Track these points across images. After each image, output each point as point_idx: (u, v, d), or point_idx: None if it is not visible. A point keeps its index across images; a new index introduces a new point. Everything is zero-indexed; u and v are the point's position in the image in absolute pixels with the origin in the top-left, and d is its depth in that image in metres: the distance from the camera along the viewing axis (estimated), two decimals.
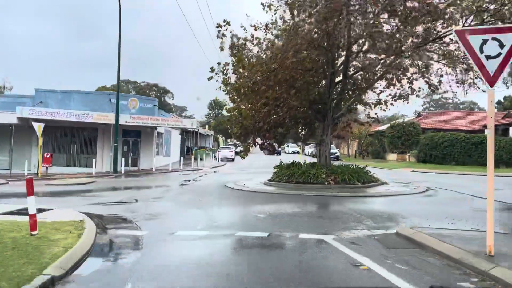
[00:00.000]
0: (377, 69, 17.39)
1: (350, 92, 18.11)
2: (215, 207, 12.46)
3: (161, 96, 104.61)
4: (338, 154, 48.44)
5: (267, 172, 26.40)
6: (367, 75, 17.06)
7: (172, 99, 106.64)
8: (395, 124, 43.11)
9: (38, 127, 23.82)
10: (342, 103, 18.87)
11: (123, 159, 27.31)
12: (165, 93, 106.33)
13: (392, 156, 43.93)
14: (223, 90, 19.01)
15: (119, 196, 14.92)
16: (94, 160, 26.19)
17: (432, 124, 46.38)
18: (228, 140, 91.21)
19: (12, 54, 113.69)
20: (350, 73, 17.72)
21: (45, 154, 24.85)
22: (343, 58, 17.42)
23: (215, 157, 43.61)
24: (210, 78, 15.30)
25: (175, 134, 42.00)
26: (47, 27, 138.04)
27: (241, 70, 14.73)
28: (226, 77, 16.42)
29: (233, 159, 47.09)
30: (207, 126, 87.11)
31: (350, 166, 18.60)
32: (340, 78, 18.10)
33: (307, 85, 15.40)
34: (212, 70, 15.10)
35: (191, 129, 37.12)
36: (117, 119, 26.04)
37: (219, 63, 16.24)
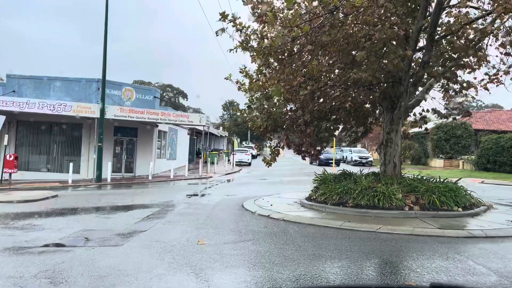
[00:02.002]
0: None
1: (439, 66, 11.68)
2: (224, 273, 6.20)
3: (175, 97, 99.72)
4: (371, 158, 41.80)
5: (296, 183, 20.14)
6: (470, 34, 10.66)
7: (186, 100, 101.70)
8: (442, 124, 36.31)
9: None
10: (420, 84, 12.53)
11: (109, 163, 21.32)
12: (179, 94, 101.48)
13: (437, 162, 37.18)
14: (240, 72, 12.88)
15: (67, 229, 8.88)
16: (72, 164, 20.27)
17: (483, 125, 39.47)
18: (244, 143, 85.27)
19: (29, 54, 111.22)
20: (438, 34, 11.36)
21: (7, 156, 19.04)
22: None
23: (229, 160, 37.59)
24: (221, 31, 9.12)
25: (182, 134, 36.03)
26: (63, 29, 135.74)
27: (271, 15, 8.44)
28: (244, 37, 10.18)
29: (249, 164, 41.02)
30: (221, 128, 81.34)
31: (432, 179, 12.24)
32: (420, 45, 11.78)
33: (386, 43, 9.04)
34: (224, 16, 8.93)
35: (201, 128, 31.12)
36: (102, 112, 20.09)
37: (234, 15, 10.01)
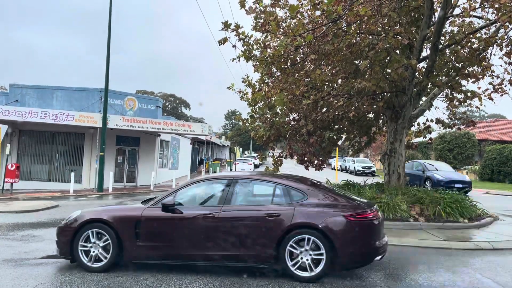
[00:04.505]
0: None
1: (443, 75, 11.63)
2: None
3: (178, 106, 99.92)
4: (374, 168, 41.58)
5: None
6: (474, 44, 10.63)
7: (189, 109, 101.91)
8: (445, 134, 36.20)
9: None
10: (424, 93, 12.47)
11: (111, 172, 21.23)
12: (182, 104, 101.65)
13: None
14: (243, 82, 12.85)
15: None
16: (74, 173, 20.18)
17: (487, 134, 39.31)
18: (246, 152, 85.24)
19: (37, 65, 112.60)
20: (442, 44, 11.29)
21: (9, 166, 18.97)
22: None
23: (231, 170, 37.51)
24: (223, 41, 9.07)
25: (185, 144, 35.97)
26: (70, 41, 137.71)
27: (273, 24, 8.40)
28: (247, 46, 10.14)
29: None
30: (223, 137, 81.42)
31: (436, 189, 12.09)
32: (423, 54, 11.72)
33: (389, 53, 8.98)
34: (227, 26, 8.90)
35: (203, 137, 31.06)
36: (104, 121, 20.06)
37: (237, 25, 9.98)
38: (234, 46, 8.91)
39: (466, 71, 11.15)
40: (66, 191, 19.58)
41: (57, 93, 23.59)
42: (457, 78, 11.34)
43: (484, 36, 11.73)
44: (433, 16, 10.30)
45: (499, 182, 27.98)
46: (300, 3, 9.20)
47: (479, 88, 13.50)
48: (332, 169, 46.14)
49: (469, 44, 11.21)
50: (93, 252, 6.33)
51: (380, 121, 14.20)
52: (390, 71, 9.67)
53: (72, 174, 19.97)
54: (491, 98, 13.46)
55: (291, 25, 9.49)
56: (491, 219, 11.13)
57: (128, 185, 24.46)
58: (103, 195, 19.24)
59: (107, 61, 20.73)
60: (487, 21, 11.50)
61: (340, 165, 48.93)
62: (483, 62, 11.48)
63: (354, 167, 41.96)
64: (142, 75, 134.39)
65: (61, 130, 22.77)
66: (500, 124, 43.69)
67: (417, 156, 41.34)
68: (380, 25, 8.59)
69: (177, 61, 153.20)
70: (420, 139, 38.47)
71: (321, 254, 5.68)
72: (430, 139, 14.95)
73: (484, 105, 14.85)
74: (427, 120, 13.61)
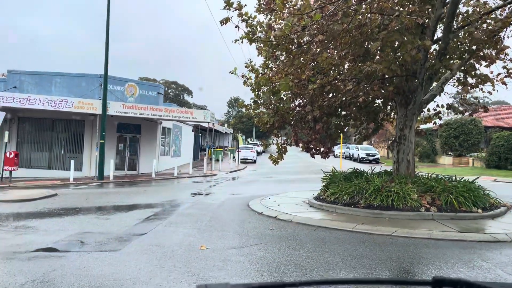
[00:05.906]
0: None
1: (455, 58, 11.07)
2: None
3: (180, 94, 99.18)
4: (378, 156, 41.08)
5: (303, 181, 19.58)
6: (490, 25, 10.04)
7: (191, 96, 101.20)
8: (451, 121, 35.58)
9: None
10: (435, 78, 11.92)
11: (112, 160, 20.82)
12: (184, 91, 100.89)
13: (446, 160, 36.43)
14: (246, 67, 12.30)
15: (62, 231, 8.37)
16: (74, 161, 19.78)
17: (494, 121, 38.61)
18: (249, 140, 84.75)
19: (38, 52, 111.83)
20: (455, 25, 10.70)
21: (8, 154, 18.59)
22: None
23: (234, 158, 37.06)
24: (225, 21, 8.51)
25: (187, 131, 35.49)
26: (73, 28, 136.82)
27: (279, 2, 7.83)
28: (250, 27, 9.61)
29: (254, 161, 40.50)
30: (226, 124, 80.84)
31: (448, 178, 11.63)
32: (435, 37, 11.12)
33: (402, 33, 8.38)
34: (229, 4, 8.30)
35: (205, 125, 30.57)
36: (104, 108, 19.59)
37: (240, 4, 9.42)
38: (237, 26, 8.40)
39: (482, 53, 10.57)
40: (66, 179, 19.22)
41: (56, 80, 23.09)
42: (471, 61, 10.78)
43: (499, 17, 11.14)
44: None
45: (506, 169, 27.46)
46: None
47: (491, 72, 12.95)
48: (335, 156, 45.67)
49: (485, 25, 10.63)
50: None
51: (388, 107, 13.69)
52: (400, 53, 9.13)
53: (72, 162, 19.59)
54: (504, 83, 12.89)
55: (298, 4, 8.94)
56: (505, 208, 10.69)
57: (129, 173, 24.10)
58: (103, 183, 18.87)
59: (106, 44, 20.16)
60: (503, 1, 10.91)
61: (344, 153, 48.05)
62: (498, 45, 10.90)
63: (358, 154, 41.49)
64: (145, 63, 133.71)
65: (61, 117, 22.33)
66: (506, 110, 42.93)
67: (422, 143, 40.78)
68: (394, 2, 8.02)
69: (179, 49, 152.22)
70: (426, 126, 37.67)
71: None
72: (440, 125, 14.44)
73: (497, 90, 14.34)
74: (437, 105, 13.09)
